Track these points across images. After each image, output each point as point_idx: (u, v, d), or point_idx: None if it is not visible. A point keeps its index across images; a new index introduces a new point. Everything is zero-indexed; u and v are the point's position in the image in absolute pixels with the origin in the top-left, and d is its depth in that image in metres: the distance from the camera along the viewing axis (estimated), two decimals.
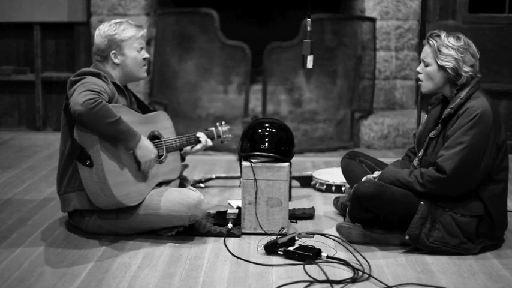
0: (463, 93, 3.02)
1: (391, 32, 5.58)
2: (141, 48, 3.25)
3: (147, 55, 3.27)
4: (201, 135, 3.57)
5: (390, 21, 5.58)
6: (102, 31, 3.21)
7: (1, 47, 6.01)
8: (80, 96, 2.87)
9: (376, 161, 3.48)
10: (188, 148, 3.58)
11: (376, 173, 3.23)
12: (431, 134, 3.11)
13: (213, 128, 3.71)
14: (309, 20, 3.39)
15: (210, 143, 3.60)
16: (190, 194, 3.12)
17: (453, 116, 3.03)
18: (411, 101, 5.73)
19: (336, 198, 3.65)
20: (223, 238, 3.16)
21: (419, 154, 3.16)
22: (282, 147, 3.29)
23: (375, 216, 3.08)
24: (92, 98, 2.86)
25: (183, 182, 3.64)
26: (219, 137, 3.72)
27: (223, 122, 3.82)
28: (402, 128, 5.42)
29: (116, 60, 3.20)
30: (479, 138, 2.93)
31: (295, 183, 4.15)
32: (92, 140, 2.94)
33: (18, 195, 3.92)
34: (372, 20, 5.51)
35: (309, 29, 3.38)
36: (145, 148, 3.08)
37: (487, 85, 5.30)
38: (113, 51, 3.19)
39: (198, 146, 3.56)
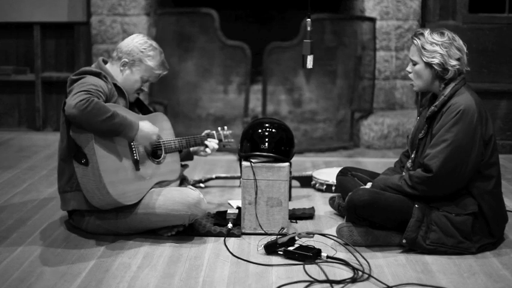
0: (447, 91, 3.02)
1: (391, 32, 5.58)
2: (146, 81, 3.29)
3: (145, 89, 3.34)
4: (209, 142, 3.59)
5: (390, 21, 5.58)
6: (136, 40, 3.26)
7: (1, 47, 6.01)
8: (72, 99, 2.88)
9: (368, 173, 3.49)
10: (195, 148, 3.60)
11: (369, 185, 3.23)
12: (420, 135, 3.11)
13: (214, 132, 3.71)
14: (309, 20, 3.39)
15: (216, 147, 3.63)
16: (190, 193, 3.12)
17: (437, 114, 3.03)
18: (411, 101, 5.73)
19: (332, 198, 3.65)
20: (223, 238, 3.16)
21: (412, 156, 3.16)
22: (282, 147, 3.29)
23: (372, 224, 3.08)
24: (83, 99, 2.87)
25: (182, 182, 3.64)
26: (220, 141, 3.71)
27: (225, 127, 3.82)
28: (402, 128, 5.42)
29: (122, 68, 3.22)
30: (463, 134, 2.92)
31: (295, 183, 4.15)
32: (87, 139, 2.94)
33: (18, 195, 3.92)
34: (372, 20, 5.51)
35: (309, 29, 3.38)
36: (146, 132, 3.11)
37: (487, 85, 5.31)
38: (126, 60, 3.21)
39: (208, 150, 3.59)
